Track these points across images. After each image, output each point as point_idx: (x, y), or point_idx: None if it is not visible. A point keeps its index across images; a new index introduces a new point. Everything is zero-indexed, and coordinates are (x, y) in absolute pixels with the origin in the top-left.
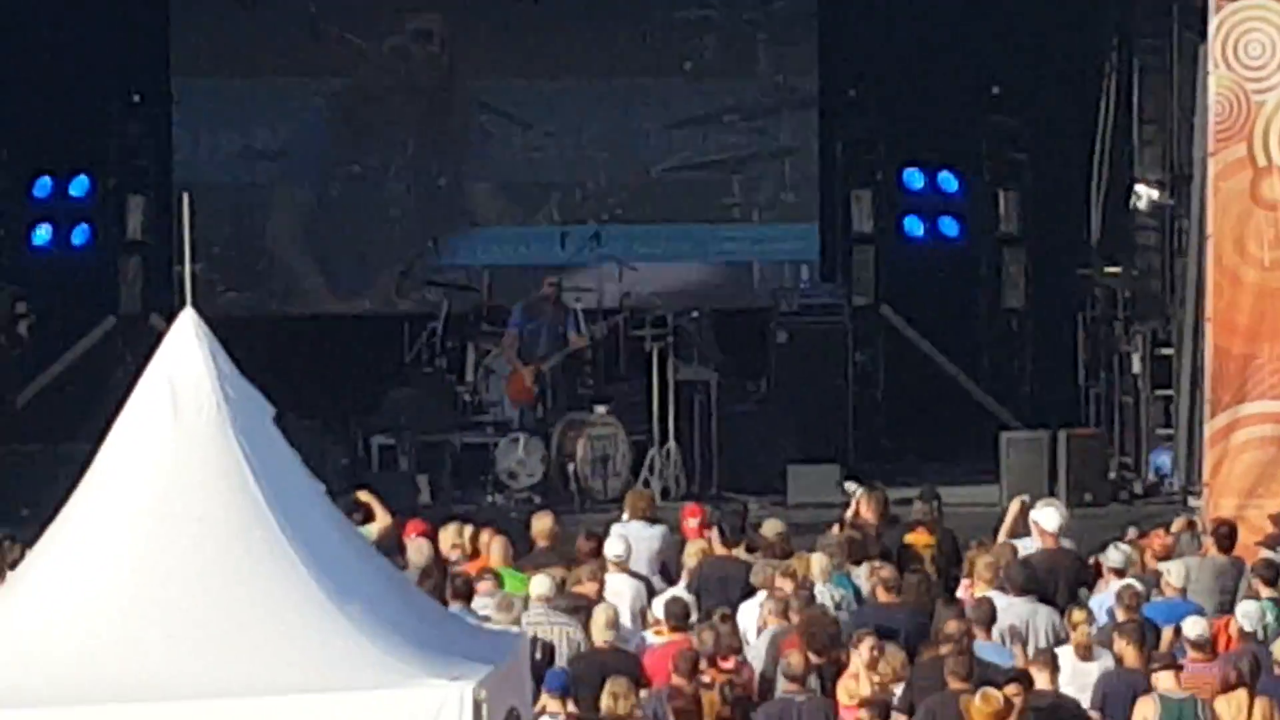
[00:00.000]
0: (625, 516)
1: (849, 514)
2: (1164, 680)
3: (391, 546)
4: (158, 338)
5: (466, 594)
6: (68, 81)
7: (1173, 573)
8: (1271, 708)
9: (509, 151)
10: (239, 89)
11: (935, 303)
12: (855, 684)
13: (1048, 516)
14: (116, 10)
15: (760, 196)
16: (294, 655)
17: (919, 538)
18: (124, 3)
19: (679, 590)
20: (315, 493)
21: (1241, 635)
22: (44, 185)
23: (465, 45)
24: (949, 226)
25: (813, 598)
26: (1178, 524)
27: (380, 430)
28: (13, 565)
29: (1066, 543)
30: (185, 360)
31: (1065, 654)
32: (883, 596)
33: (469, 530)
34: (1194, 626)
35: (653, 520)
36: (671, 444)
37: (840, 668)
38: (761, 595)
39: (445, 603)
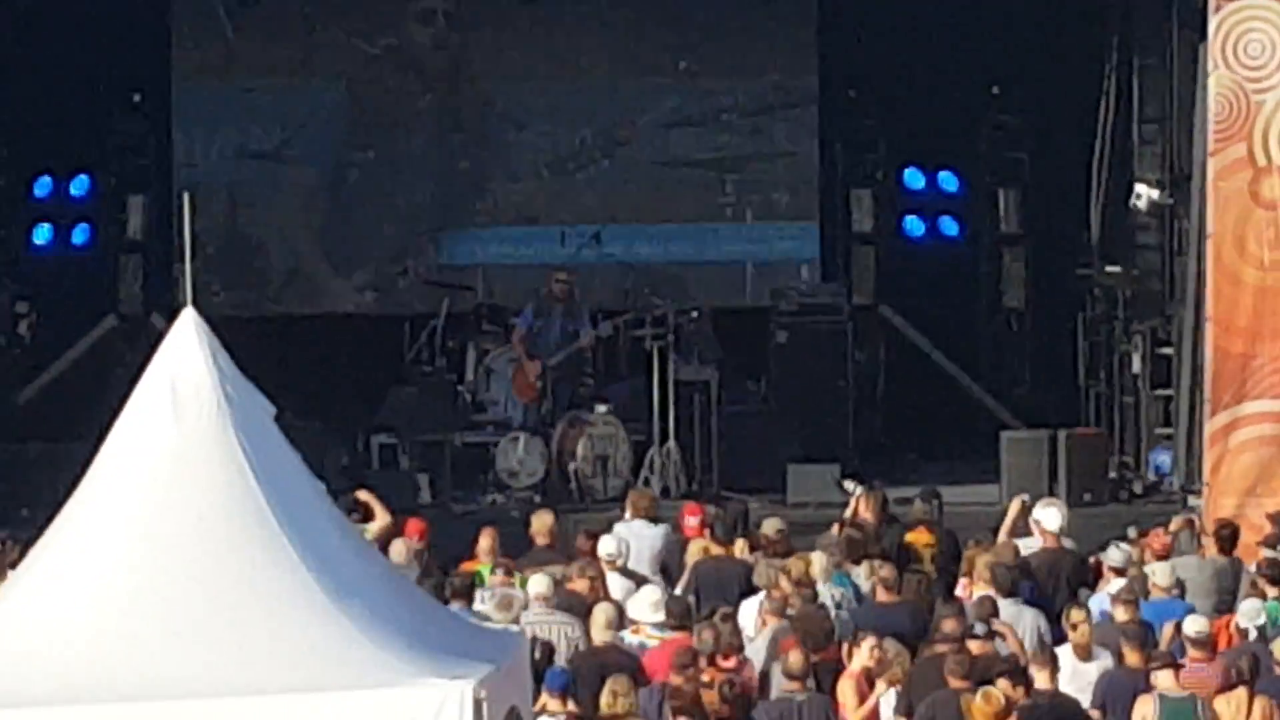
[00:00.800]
0: (628, 515)
1: (848, 513)
2: (1164, 679)
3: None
4: (158, 337)
5: (466, 593)
6: (68, 81)
7: (1159, 573)
8: (1271, 707)
9: (505, 150)
10: (239, 89)
11: (935, 302)
12: (855, 683)
13: (1049, 516)
14: (117, 10)
15: (760, 196)
16: (294, 654)
17: (919, 537)
18: (124, 3)
19: (657, 589)
20: (316, 492)
21: (1241, 634)
22: (44, 185)
23: (463, 45)
24: (949, 226)
25: (814, 596)
26: (1176, 523)
27: (380, 429)
28: (13, 565)
29: (1067, 542)
30: (186, 360)
31: (1065, 654)
32: (883, 595)
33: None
34: (1194, 625)
35: (655, 520)
36: (671, 443)
37: (837, 665)
38: (762, 594)
39: (445, 601)
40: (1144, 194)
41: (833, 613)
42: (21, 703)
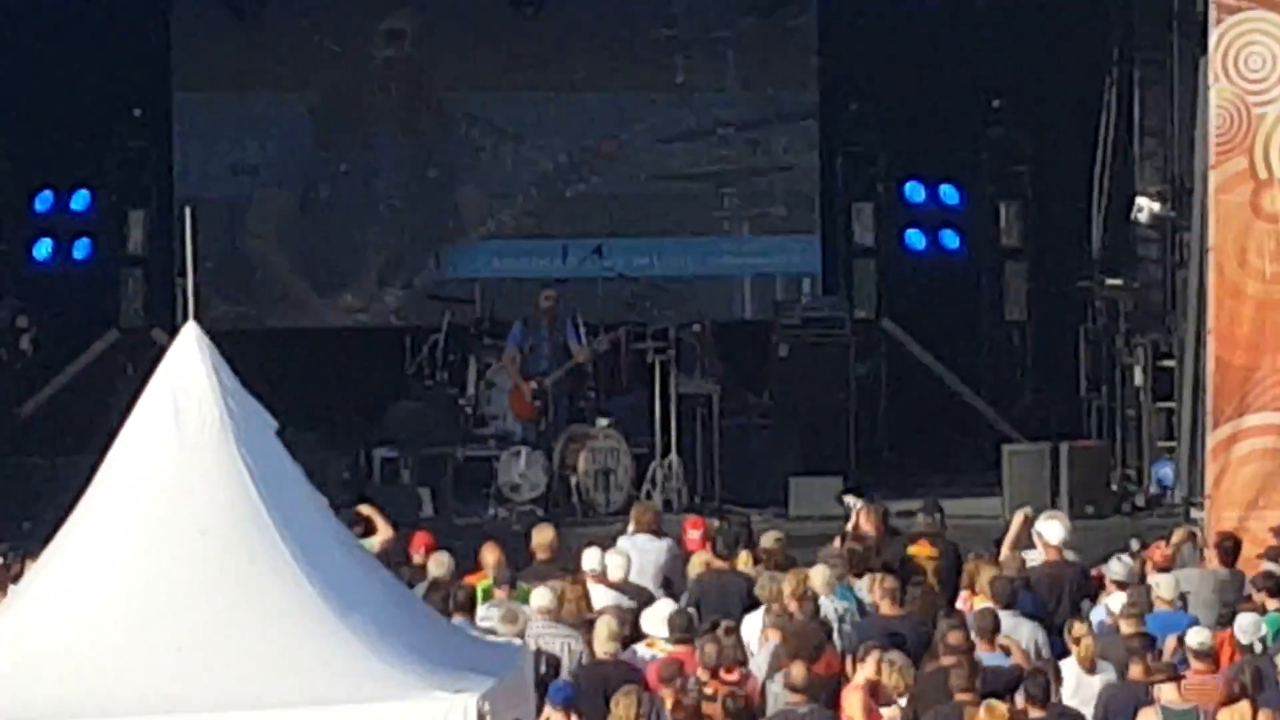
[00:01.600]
0: (631, 529)
1: (849, 527)
2: (1166, 692)
3: (393, 559)
4: (159, 351)
5: (469, 606)
6: (69, 96)
7: (1162, 585)
8: None
9: (503, 165)
10: (240, 103)
11: (937, 315)
12: (862, 695)
13: (1052, 529)
14: (117, 25)
15: (761, 210)
16: (297, 668)
17: (922, 550)
18: (125, 18)
19: (670, 603)
20: (318, 506)
21: (1239, 647)
22: (45, 199)
23: (457, 57)
24: (950, 239)
25: (815, 610)
26: (1178, 535)
27: (382, 443)
28: (15, 579)
29: (1070, 555)
30: (188, 374)
31: (1069, 666)
32: (886, 608)
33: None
34: (1197, 637)
35: (659, 534)
36: (673, 457)
37: (837, 678)
38: (764, 608)
39: (449, 615)
40: (1145, 207)
41: (835, 626)
42: (25, 716)
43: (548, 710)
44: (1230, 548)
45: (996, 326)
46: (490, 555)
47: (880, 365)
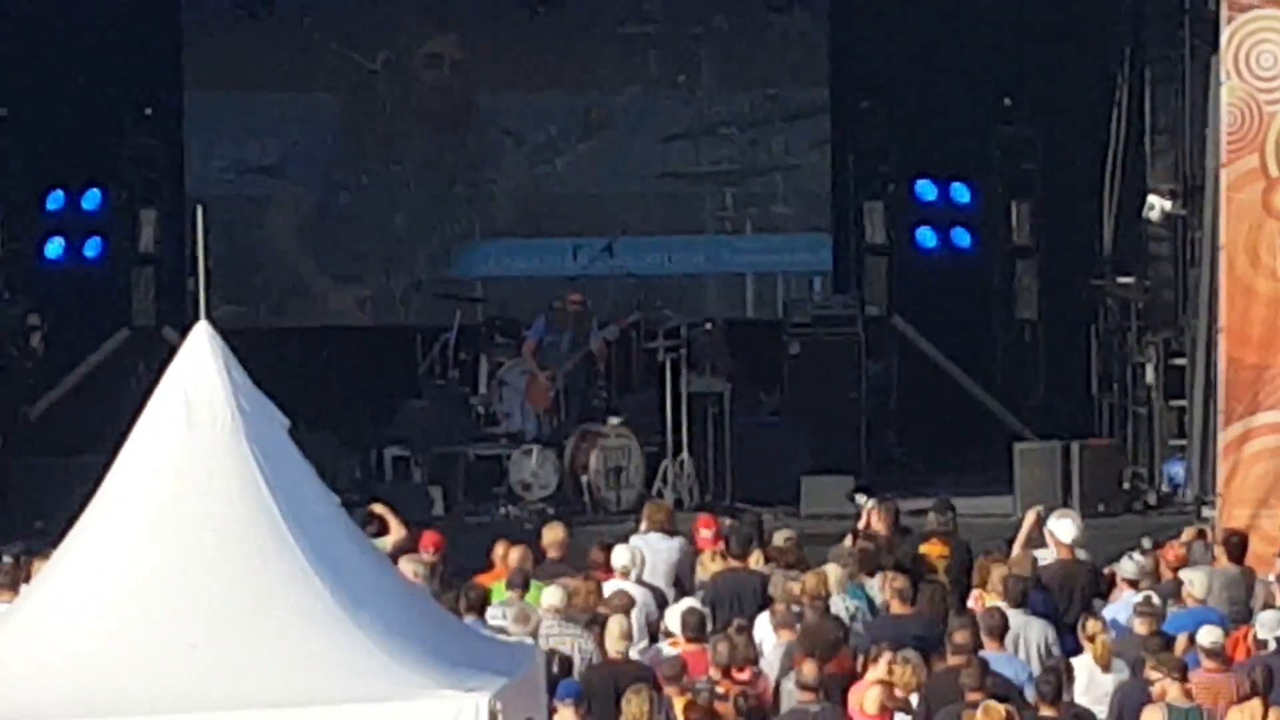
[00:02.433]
0: (643, 528)
1: (860, 525)
2: (1172, 690)
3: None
4: (170, 350)
5: (480, 606)
6: (80, 95)
7: (1196, 583)
8: None
9: (510, 163)
10: (251, 102)
11: (948, 314)
12: (870, 694)
13: (1064, 528)
14: (129, 24)
15: (772, 208)
16: (309, 666)
17: (933, 548)
18: (136, 17)
19: (693, 601)
20: (330, 504)
21: (1259, 645)
22: (57, 198)
23: (467, 60)
24: (961, 238)
25: (826, 608)
26: (1187, 534)
27: (393, 442)
28: (27, 578)
29: (1082, 554)
30: (200, 373)
31: (1082, 665)
32: (897, 607)
33: None
34: (1209, 634)
35: (671, 532)
36: (685, 455)
37: (849, 676)
38: (776, 606)
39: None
40: (1156, 205)
41: (847, 624)
42: (37, 716)
43: (557, 707)
44: (1237, 544)
45: (1008, 325)
46: (514, 554)
47: (891, 364)
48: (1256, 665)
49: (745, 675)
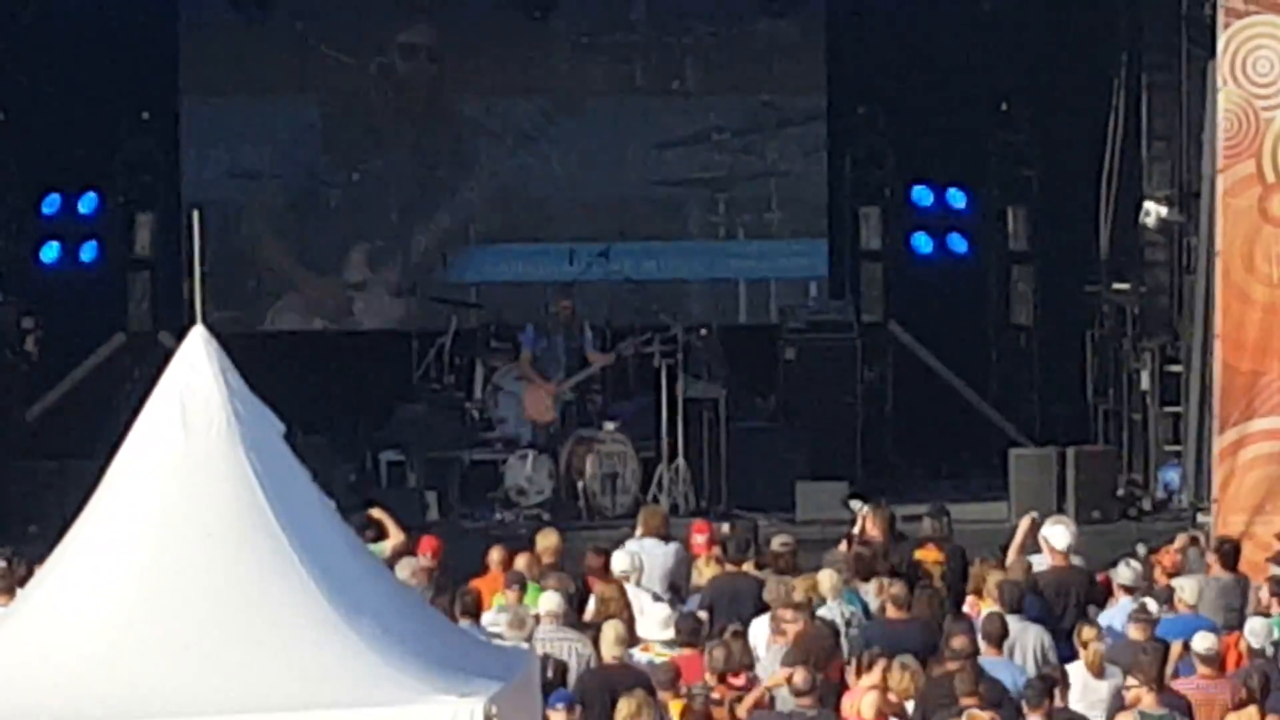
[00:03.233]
0: (639, 533)
1: (855, 531)
2: (1146, 698)
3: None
4: (166, 355)
5: (475, 611)
6: (77, 99)
7: (1186, 589)
8: None
9: (506, 169)
10: (246, 107)
11: (944, 320)
12: (866, 700)
13: (1058, 534)
14: (125, 29)
15: (767, 213)
16: (304, 671)
17: (928, 554)
18: (133, 21)
19: (667, 608)
20: (325, 509)
21: (1250, 652)
22: (53, 202)
23: (462, 66)
24: (958, 243)
25: (814, 614)
26: (1180, 540)
27: (389, 446)
28: (21, 582)
29: (1076, 560)
30: (195, 377)
31: (1076, 671)
32: (892, 613)
33: None
34: (1203, 642)
35: (666, 538)
36: (680, 461)
37: (841, 682)
38: (771, 612)
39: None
40: (1153, 211)
41: (842, 630)
42: None
43: (549, 715)
44: (1230, 552)
45: (1003, 331)
46: (520, 560)
47: (887, 369)
48: (1252, 672)
49: (741, 681)
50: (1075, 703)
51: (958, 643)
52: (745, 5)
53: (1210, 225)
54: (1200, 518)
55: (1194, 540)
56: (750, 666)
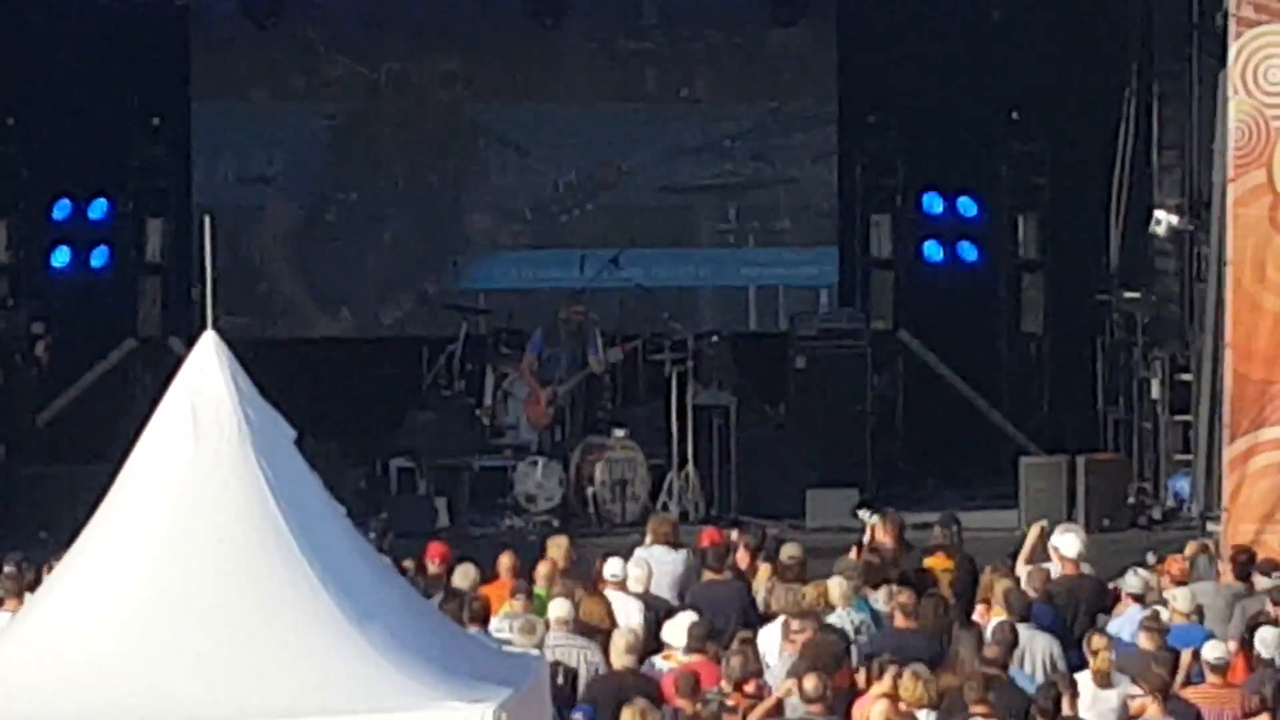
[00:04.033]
0: (648, 541)
1: (865, 538)
2: (1151, 708)
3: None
4: (177, 360)
5: (483, 617)
6: (88, 105)
7: (1179, 599)
8: None
9: (516, 176)
10: (257, 113)
11: (954, 327)
12: (875, 708)
13: (1068, 543)
14: (136, 35)
15: (777, 221)
16: (314, 677)
17: (938, 562)
18: (144, 27)
19: (688, 615)
20: (336, 515)
21: (1259, 661)
22: (63, 207)
23: (472, 73)
24: (968, 251)
25: (824, 622)
26: (1190, 549)
27: (399, 453)
28: (31, 587)
29: (1086, 568)
30: (206, 382)
31: (1085, 680)
32: (900, 621)
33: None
34: (1213, 651)
35: (675, 545)
36: (690, 468)
37: (851, 691)
38: (781, 620)
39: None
40: (1163, 220)
41: (852, 638)
42: None
43: None
44: (1245, 561)
45: (1014, 339)
46: (542, 568)
47: (897, 377)
48: (1264, 681)
49: (751, 688)
50: (1085, 712)
51: (965, 652)
52: (756, 13)
53: (1221, 234)
54: (1210, 526)
55: (1204, 548)
56: (759, 674)
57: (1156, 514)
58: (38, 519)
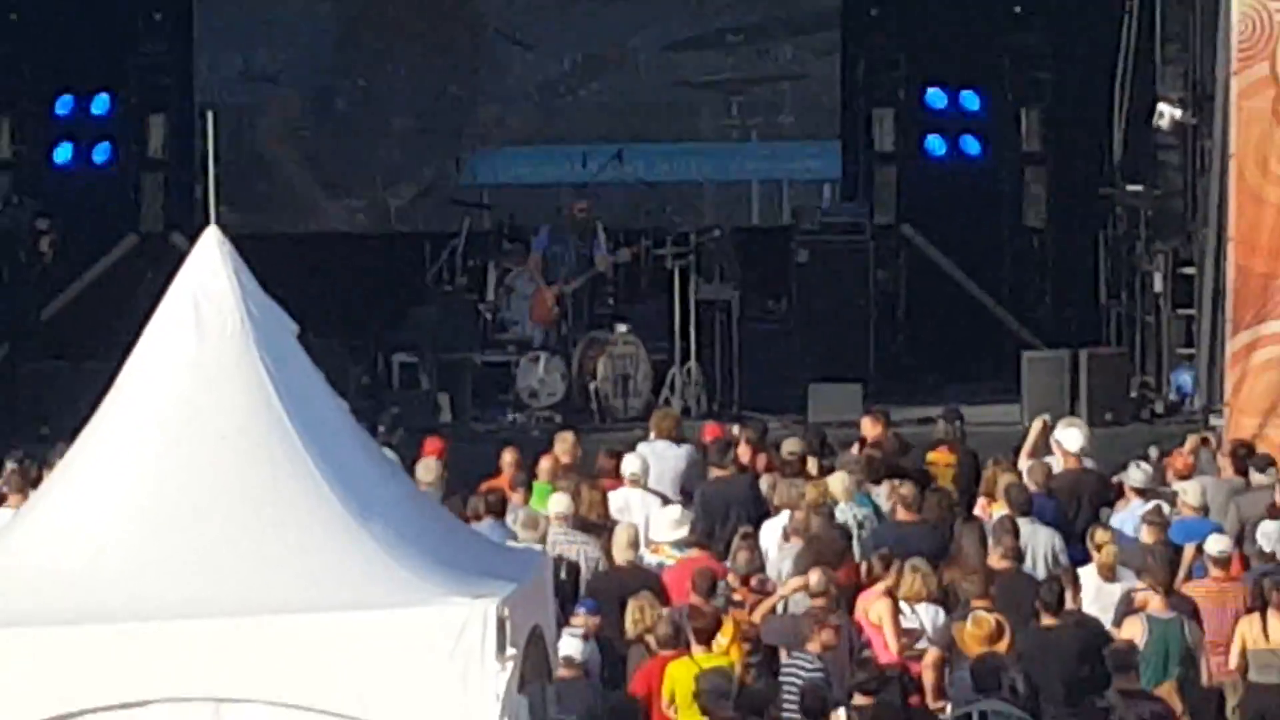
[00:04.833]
0: (651, 436)
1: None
2: (1154, 601)
3: None
4: (179, 256)
5: (500, 509)
6: (90, 0)
7: (1189, 492)
8: None
9: (516, 71)
10: (259, 9)
11: (957, 222)
12: (885, 604)
13: (1070, 436)
14: None
15: (780, 116)
16: (317, 573)
17: (941, 456)
18: None
19: (673, 509)
20: (338, 410)
21: (1261, 555)
22: (66, 103)
23: None
24: (971, 145)
25: (832, 516)
26: (1191, 442)
27: (401, 348)
28: (34, 483)
29: (1089, 462)
30: (209, 278)
31: (1088, 574)
32: (903, 514)
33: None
34: (1217, 544)
35: (678, 440)
36: (692, 363)
37: (855, 585)
38: (784, 515)
39: (469, 520)
40: (1166, 113)
41: (854, 532)
42: (42, 621)
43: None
44: (1244, 455)
45: (1017, 232)
46: (544, 463)
47: (900, 272)
48: (1266, 574)
49: (755, 582)
50: (1088, 605)
51: (967, 546)
52: None
53: (1224, 127)
54: (1212, 420)
55: (1204, 442)
56: (762, 568)
57: (1159, 408)
58: (40, 415)
